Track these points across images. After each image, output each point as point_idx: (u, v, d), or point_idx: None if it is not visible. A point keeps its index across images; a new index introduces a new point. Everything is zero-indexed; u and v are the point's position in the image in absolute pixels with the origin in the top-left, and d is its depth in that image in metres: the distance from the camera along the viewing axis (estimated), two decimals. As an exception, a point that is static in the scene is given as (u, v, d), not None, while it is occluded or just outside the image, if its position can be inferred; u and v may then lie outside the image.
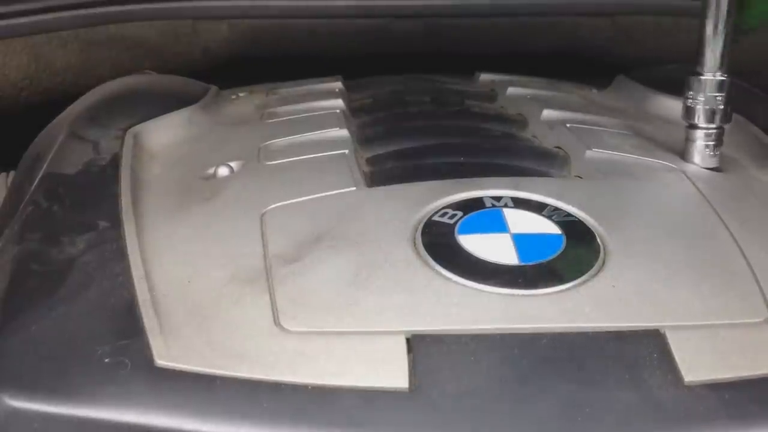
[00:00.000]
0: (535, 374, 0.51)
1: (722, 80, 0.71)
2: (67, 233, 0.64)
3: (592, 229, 0.62)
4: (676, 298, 0.57)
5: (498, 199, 0.65)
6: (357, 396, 0.50)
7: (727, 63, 0.71)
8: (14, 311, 0.57)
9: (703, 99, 0.71)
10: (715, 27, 0.70)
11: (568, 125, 0.80)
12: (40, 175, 0.74)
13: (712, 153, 0.73)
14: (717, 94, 0.71)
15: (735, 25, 0.70)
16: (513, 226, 0.62)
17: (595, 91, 0.99)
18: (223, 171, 0.73)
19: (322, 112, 0.84)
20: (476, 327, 0.54)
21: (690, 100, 0.72)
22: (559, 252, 0.60)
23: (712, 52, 0.71)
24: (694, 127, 0.73)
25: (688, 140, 0.73)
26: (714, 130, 0.72)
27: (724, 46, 0.71)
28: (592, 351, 0.53)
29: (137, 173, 0.73)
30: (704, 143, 0.73)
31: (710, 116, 0.72)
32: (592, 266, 0.58)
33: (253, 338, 0.54)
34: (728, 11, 0.70)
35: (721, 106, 0.71)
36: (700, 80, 0.71)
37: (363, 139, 0.78)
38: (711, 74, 0.71)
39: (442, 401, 0.50)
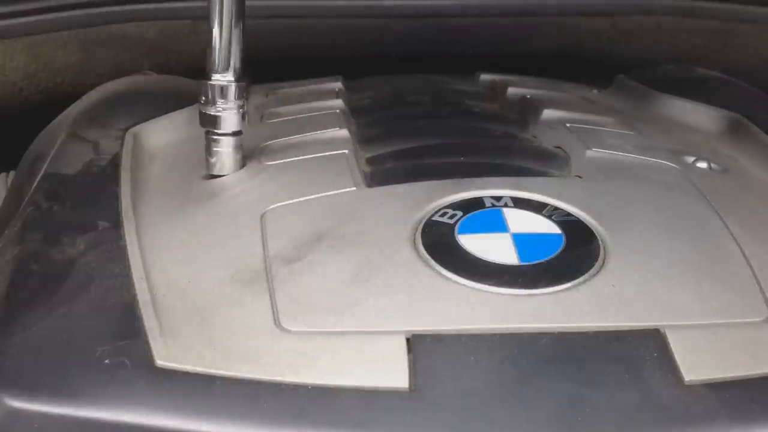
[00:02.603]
0: (535, 374, 0.51)
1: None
2: (67, 233, 0.64)
3: (592, 228, 0.62)
4: (676, 297, 0.57)
5: (498, 198, 0.65)
6: (357, 396, 0.50)
7: None
8: (14, 311, 0.57)
9: None
10: None
11: (568, 125, 0.80)
12: (40, 176, 0.74)
13: None
14: None
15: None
16: (513, 225, 0.62)
17: (595, 91, 0.99)
18: (223, 171, 0.73)
19: (322, 112, 0.84)
20: (476, 327, 0.54)
21: None
22: (559, 252, 0.60)
23: None
24: None
25: None
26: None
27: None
28: (592, 351, 0.53)
29: (137, 173, 0.73)
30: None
31: None
32: (592, 266, 0.58)
33: (253, 338, 0.54)
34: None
35: None
36: None
37: (363, 139, 0.78)
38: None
39: (442, 401, 0.50)
